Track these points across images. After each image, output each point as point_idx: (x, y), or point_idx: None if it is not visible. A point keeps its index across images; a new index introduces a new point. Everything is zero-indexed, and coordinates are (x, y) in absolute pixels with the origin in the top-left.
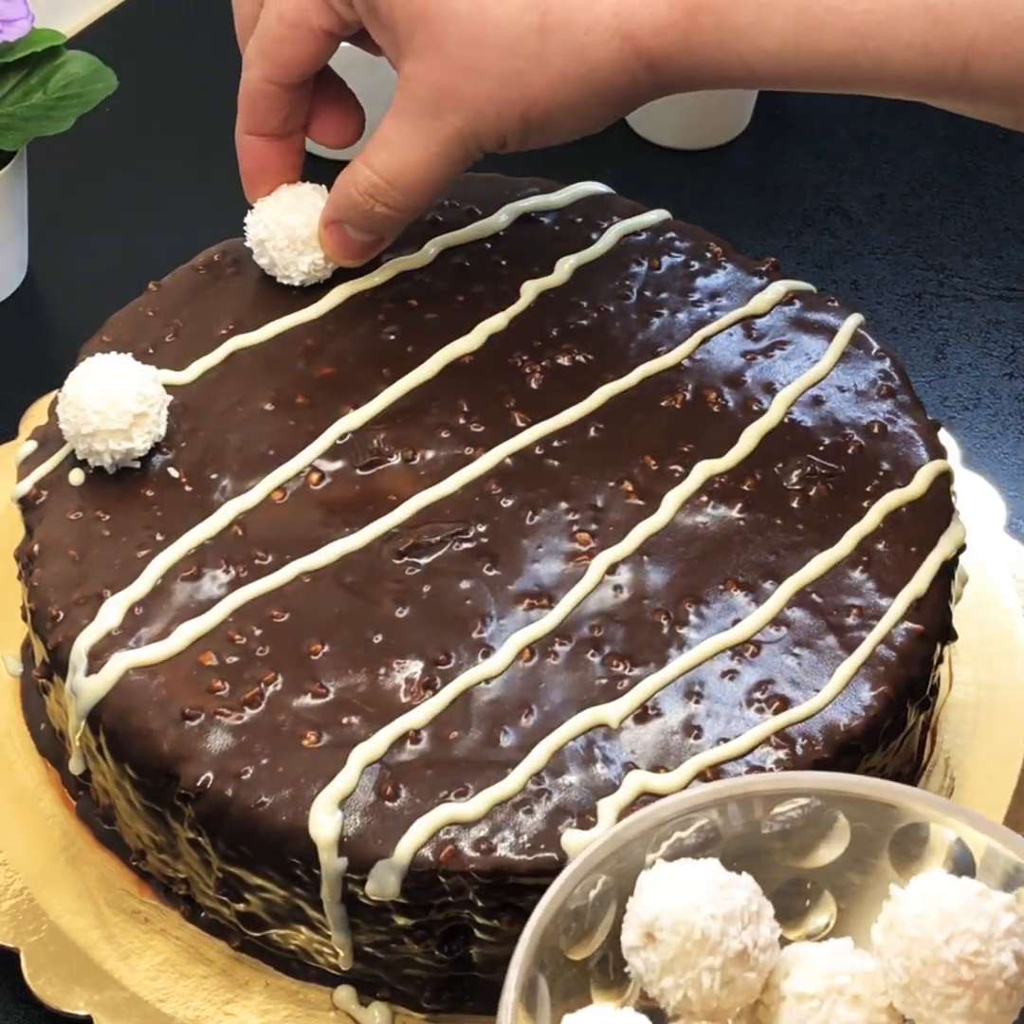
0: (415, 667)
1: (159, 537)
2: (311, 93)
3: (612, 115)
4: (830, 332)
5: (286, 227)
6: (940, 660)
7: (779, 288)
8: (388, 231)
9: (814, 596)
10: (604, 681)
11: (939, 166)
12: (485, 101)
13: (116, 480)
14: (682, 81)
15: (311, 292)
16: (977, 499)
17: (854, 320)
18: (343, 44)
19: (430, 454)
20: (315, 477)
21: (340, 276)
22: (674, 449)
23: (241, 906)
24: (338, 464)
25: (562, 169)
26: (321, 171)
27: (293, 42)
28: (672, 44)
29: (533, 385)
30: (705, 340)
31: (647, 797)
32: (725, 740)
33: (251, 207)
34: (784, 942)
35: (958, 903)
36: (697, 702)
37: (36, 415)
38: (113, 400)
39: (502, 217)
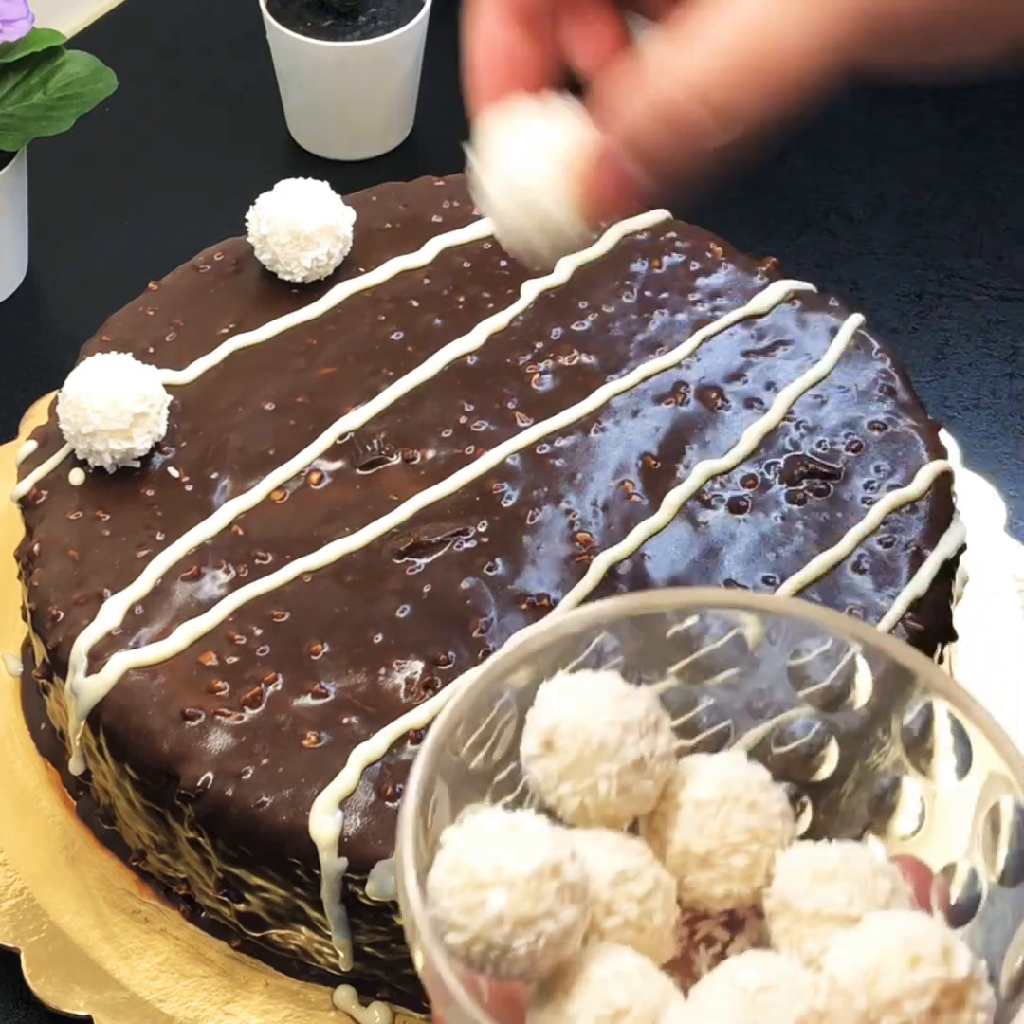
0: (415, 667)
1: (159, 537)
2: None
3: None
4: (830, 332)
5: (289, 223)
6: (940, 660)
7: (779, 288)
8: (684, 171)
9: (814, 596)
10: None
11: (939, 166)
12: None
13: (116, 480)
14: None
15: (311, 292)
16: (977, 499)
17: (854, 320)
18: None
19: (430, 454)
20: (315, 477)
21: (340, 275)
22: (674, 449)
23: (241, 906)
24: (338, 464)
25: None
26: (322, 170)
27: None
28: None
29: (534, 385)
30: (706, 340)
31: None
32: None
33: (253, 204)
34: (683, 754)
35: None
36: None
37: (36, 415)
38: (113, 400)
39: None
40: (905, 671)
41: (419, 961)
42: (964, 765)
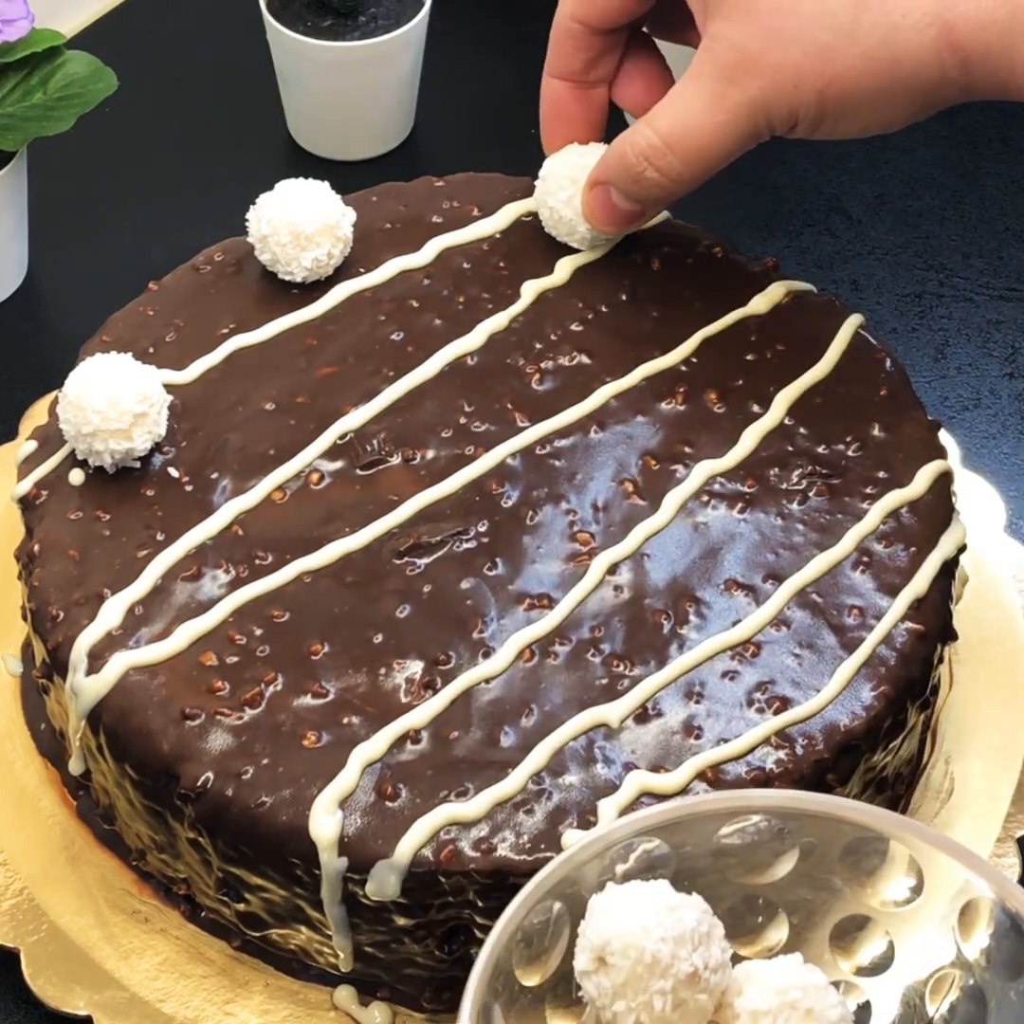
0: (415, 667)
1: (159, 537)
2: (622, 50)
3: (908, 113)
4: (830, 332)
5: (289, 223)
6: (940, 660)
7: (779, 288)
8: (653, 203)
9: (814, 596)
10: (604, 681)
11: (939, 166)
12: (787, 71)
13: (116, 480)
14: (995, 86)
15: (311, 292)
16: (977, 499)
17: (854, 320)
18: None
19: (430, 454)
20: (315, 477)
21: (340, 276)
22: (674, 449)
23: (241, 906)
24: (338, 464)
25: None
26: (322, 170)
27: None
28: (992, 42)
29: (534, 385)
30: (706, 340)
31: (647, 798)
32: (725, 740)
33: (254, 204)
34: (737, 960)
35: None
36: (697, 702)
37: (36, 415)
38: (113, 400)
39: (502, 217)
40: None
41: None
42: (918, 887)
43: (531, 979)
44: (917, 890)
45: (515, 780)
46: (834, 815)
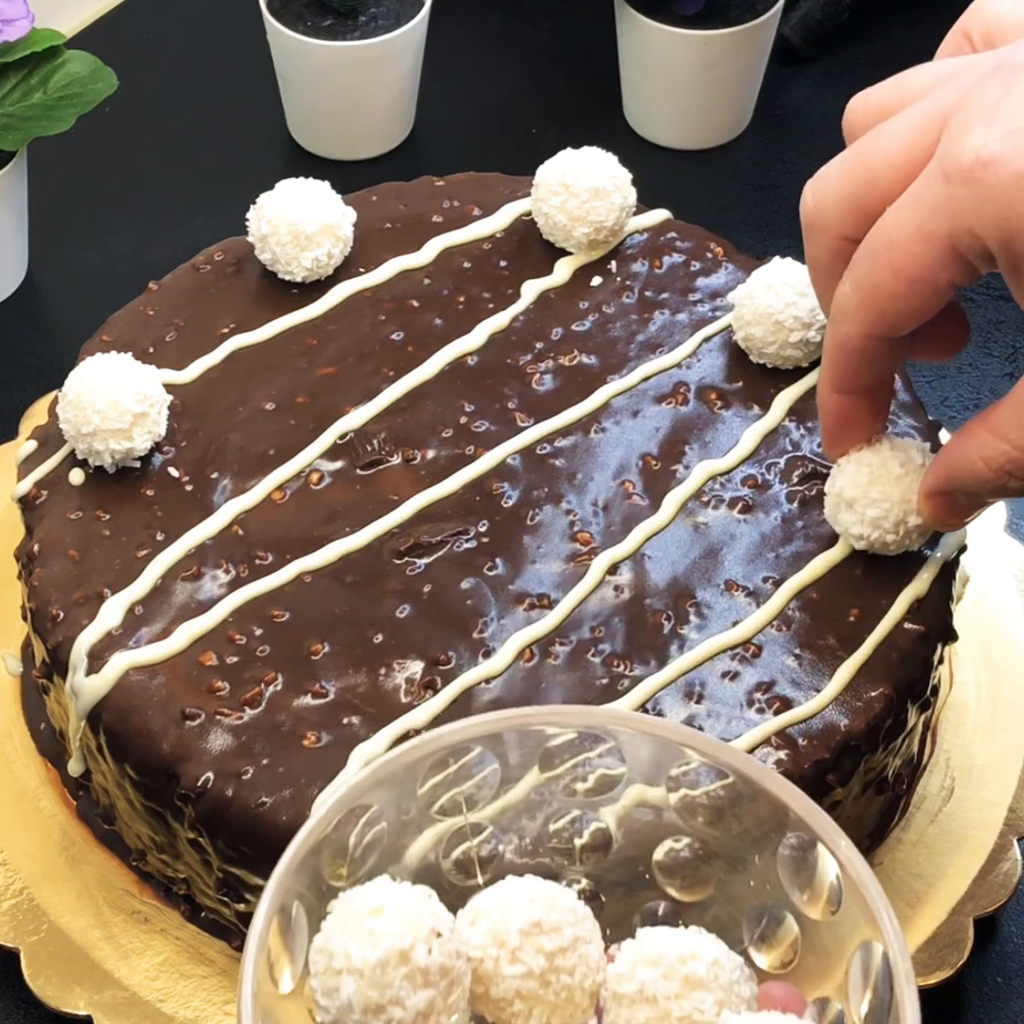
0: (416, 667)
1: (159, 537)
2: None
3: None
4: None
5: (289, 223)
6: (940, 660)
7: None
8: (1014, 497)
9: (814, 596)
10: (605, 681)
11: None
12: None
13: (116, 480)
14: None
15: (312, 291)
16: None
17: None
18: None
19: (431, 454)
20: (315, 477)
21: (340, 275)
22: (674, 449)
23: (241, 906)
24: (338, 464)
25: None
26: (322, 170)
27: (911, 297)
28: None
29: (534, 385)
30: (706, 340)
31: (641, 809)
32: (726, 740)
33: (254, 204)
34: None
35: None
36: (698, 702)
37: (36, 415)
38: (113, 400)
39: (502, 217)
40: (778, 805)
41: None
42: (838, 900)
43: (338, 880)
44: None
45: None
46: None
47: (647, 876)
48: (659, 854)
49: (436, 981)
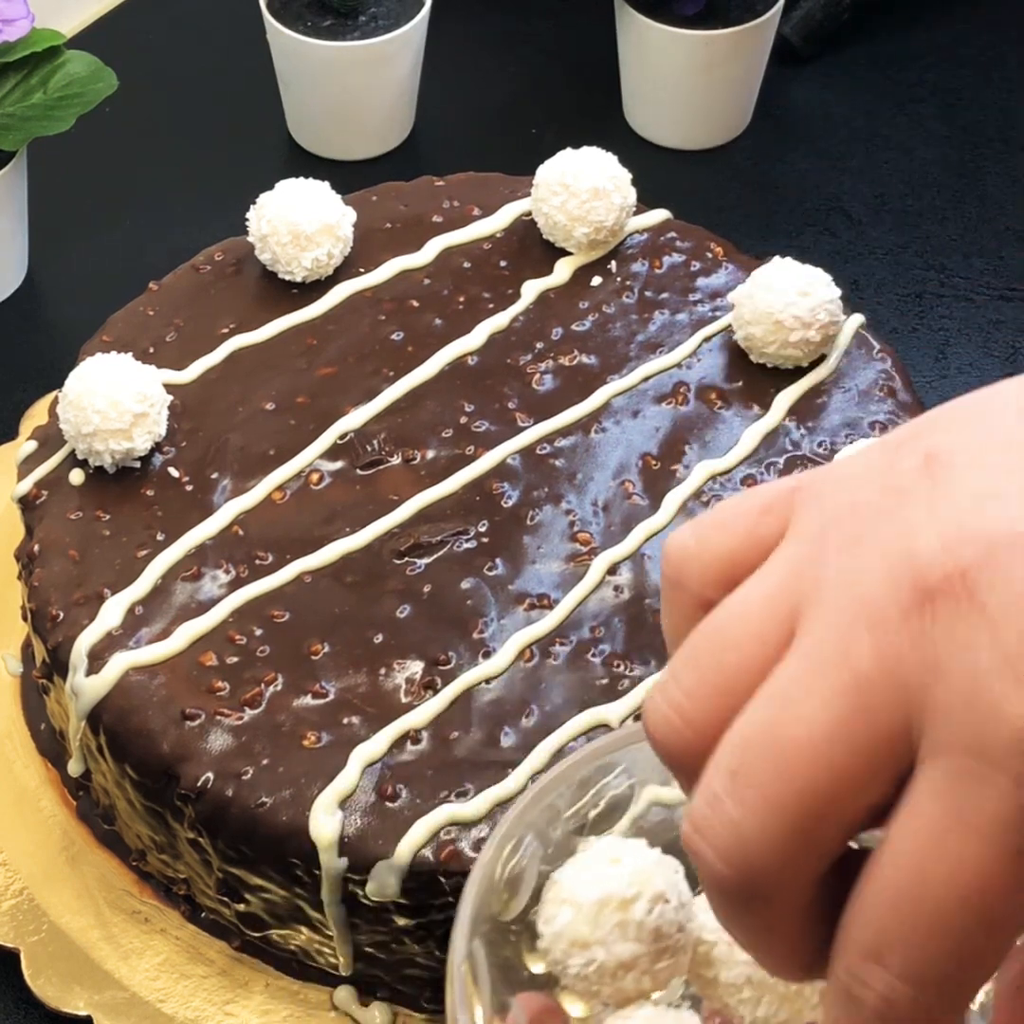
0: (415, 667)
1: (159, 537)
2: None
3: None
4: None
5: (289, 223)
6: None
7: None
8: None
9: None
10: (605, 681)
11: (939, 166)
12: None
13: (116, 480)
14: None
15: (312, 292)
16: None
17: (855, 320)
18: (333, 44)
19: (431, 454)
20: (315, 477)
21: (340, 275)
22: (674, 449)
23: (241, 906)
24: (338, 464)
25: None
26: (322, 170)
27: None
28: None
29: (534, 385)
30: (706, 340)
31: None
32: None
33: (254, 204)
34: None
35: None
36: None
37: (36, 415)
38: (113, 400)
39: (502, 217)
40: None
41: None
42: None
43: (507, 915)
44: None
45: (515, 780)
46: None
47: None
48: None
49: (648, 941)
